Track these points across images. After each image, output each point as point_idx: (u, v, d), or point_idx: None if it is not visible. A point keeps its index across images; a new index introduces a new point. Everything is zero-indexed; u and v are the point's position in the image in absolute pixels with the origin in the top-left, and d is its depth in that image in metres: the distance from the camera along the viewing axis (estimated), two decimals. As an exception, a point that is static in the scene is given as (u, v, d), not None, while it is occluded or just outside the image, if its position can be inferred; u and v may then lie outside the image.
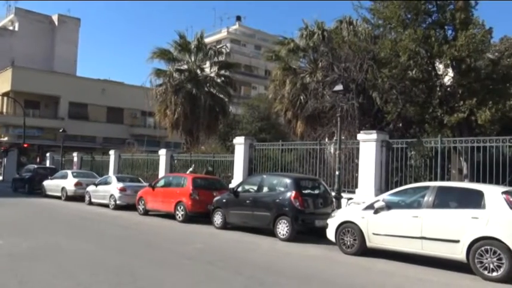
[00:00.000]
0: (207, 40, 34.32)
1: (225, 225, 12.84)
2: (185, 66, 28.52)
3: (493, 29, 14.05)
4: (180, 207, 14.45)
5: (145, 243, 10.22)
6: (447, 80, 15.21)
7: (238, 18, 63.47)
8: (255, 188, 12.56)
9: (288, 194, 11.30)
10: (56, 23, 57.66)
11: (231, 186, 15.66)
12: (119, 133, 45.68)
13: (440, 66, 15.16)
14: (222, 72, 29.49)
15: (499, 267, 7.22)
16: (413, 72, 14.80)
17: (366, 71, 16.97)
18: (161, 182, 16.48)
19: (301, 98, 21.64)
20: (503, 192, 7.71)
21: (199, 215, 14.32)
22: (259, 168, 17.25)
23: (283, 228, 11.09)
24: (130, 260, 8.14)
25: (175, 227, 13.55)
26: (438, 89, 14.71)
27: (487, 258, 7.36)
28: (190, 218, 14.28)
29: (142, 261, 8.06)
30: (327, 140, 17.69)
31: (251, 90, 56.16)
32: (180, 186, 15.07)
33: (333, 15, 69.04)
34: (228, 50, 31.04)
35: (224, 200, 13.13)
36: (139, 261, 7.99)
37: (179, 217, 14.42)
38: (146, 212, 16.16)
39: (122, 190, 17.89)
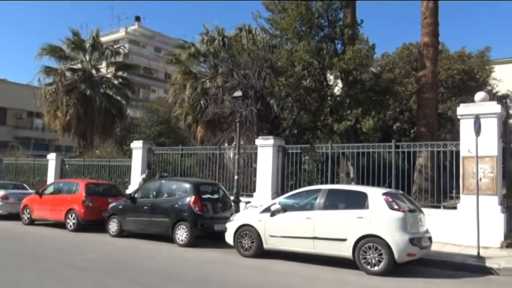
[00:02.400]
0: (103, 39, 32.75)
1: (121, 233, 12.36)
2: (79, 66, 26.89)
3: (376, 45, 15.52)
4: (72, 216, 13.57)
5: (30, 256, 9.41)
6: (337, 90, 16.41)
7: (138, 19, 61.56)
8: (154, 193, 12.28)
9: (188, 199, 11.25)
10: None
11: (127, 192, 15.12)
12: (0, 135, 41.43)
13: (331, 77, 16.30)
14: (120, 73, 28.38)
15: (380, 262, 7.95)
16: (307, 81, 15.71)
17: (264, 79, 17.61)
18: (50, 189, 15.31)
19: (202, 102, 21.68)
20: (383, 194, 8.51)
21: (93, 223, 13.57)
22: (158, 173, 16.88)
23: (182, 233, 11.00)
24: (13, 275, 7.43)
25: (65, 236, 12.69)
26: (329, 98, 15.81)
27: (369, 254, 8.06)
28: (83, 227, 13.47)
29: (28, 275, 7.42)
30: (226, 145, 17.96)
31: (150, 93, 54.73)
32: (72, 192, 14.16)
33: (233, 22, 70.30)
34: (126, 51, 30.06)
35: (120, 207, 12.64)
36: (24, 275, 7.35)
37: (70, 226, 13.53)
38: (32, 222, 14.90)
39: (4, 198, 16.27)
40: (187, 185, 11.69)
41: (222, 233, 10.30)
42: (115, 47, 30.43)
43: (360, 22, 16.03)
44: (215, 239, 11.11)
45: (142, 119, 34.58)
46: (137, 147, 17.64)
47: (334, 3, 15.63)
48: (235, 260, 9.36)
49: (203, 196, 11.53)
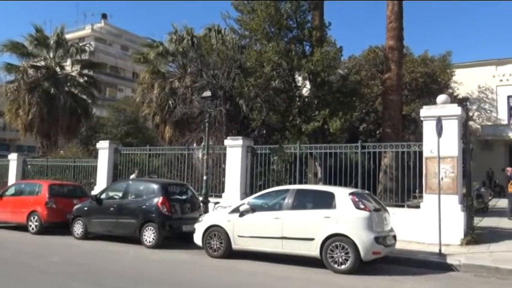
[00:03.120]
0: (68, 36, 31.88)
1: (87, 235, 12.07)
2: (42, 63, 26.12)
3: (343, 48, 15.80)
4: (34, 218, 13.15)
5: (-10, 260, 9.06)
6: (305, 91, 16.60)
7: (104, 16, 60.19)
8: (120, 194, 12.06)
9: (155, 200, 11.11)
10: None
11: (93, 193, 14.79)
12: (-45, 134, 39.67)
13: (299, 78, 16.48)
14: (86, 71, 27.75)
15: (347, 260, 8.10)
16: (276, 82, 15.83)
17: (233, 79, 17.61)
18: (11, 190, 14.77)
19: (170, 102, 21.48)
20: (350, 193, 8.67)
21: (56, 226, 13.17)
22: (125, 173, 16.62)
23: (149, 235, 10.86)
24: (-29, 280, 7.15)
25: (27, 239, 12.28)
26: (297, 99, 15.98)
27: (336, 253, 8.19)
28: (46, 229, 13.06)
29: (-14, 280, 7.15)
30: (195, 145, 17.87)
31: (117, 93, 53.68)
32: (34, 194, 13.72)
33: (202, 21, 69.97)
34: (92, 49, 29.48)
35: (85, 208, 12.35)
36: (-18, 281, 7.08)
37: (32, 228, 13.11)
38: (-8, 225, 14.33)
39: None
40: (155, 186, 11.55)
41: (191, 234, 10.23)
42: (80, 44, 29.74)
43: (328, 24, 16.30)
44: (183, 240, 11.02)
45: (109, 118, 33.94)
46: (103, 147, 17.28)
47: (303, 5, 15.80)
48: (204, 260, 9.31)
49: (171, 197, 11.42)
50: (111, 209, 11.74)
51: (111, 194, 12.45)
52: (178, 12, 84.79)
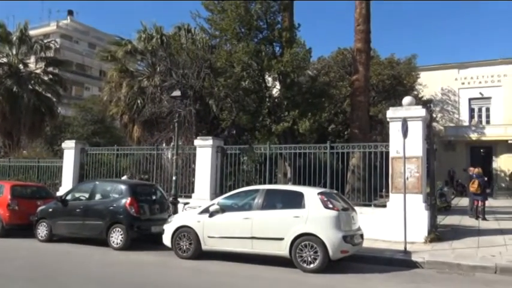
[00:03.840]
0: (32, 33, 30.90)
1: (51, 238, 11.74)
2: (4, 60, 25.23)
3: (312, 49, 15.99)
4: (-5, 220, 12.66)
5: None
6: (275, 92, 16.71)
7: (70, 13, 58.56)
8: (87, 195, 11.78)
9: (123, 201, 10.92)
10: None
11: (58, 194, 14.40)
12: None
13: (269, 79, 16.57)
14: (50, 69, 26.96)
15: (315, 259, 8.21)
16: (246, 82, 15.86)
17: (203, 79, 17.53)
18: (-30, 192, 14.16)
19: (139, 101, 21.12)
20: (319, 193, 8.79)
21: (19, 228, 12.72)
22: (92, 174, 16.28)
23: (117, 236, 10.66)
24: None
25: (-13, 243, 11.82)
26: (267, 99, 16.06)
27: (305, 252, 8.29)
28: (8, 232, 12.59)
29: None
30: (164, 145, 17.67)
31: (84, 91, 52.39)
32: (-4, 195, 13.21)
33: (171, 20, 69.19)
34: (57, 46, 28.63)
35: (50, 210, 12.00)
36: None
37: (-7, 231, 12.62)
38: (-51, 228, 13.69)
39: None
40: (122, 186, 11.35)
41: (160, 235, 10.12)
42: (45, 41, 28.85)
43: (298, 26, 16.46)
44: (152, 242, 10.87)
45: (75, 117, 33.16)
46: (69, 147, 16.85)
47: (273, 6, 15.90)
48: (173, 262, 9.23)
49: (140, 197, 11.25)
50: (77, 210, 11.46)
51: (77, 195, 12.16)
52: (147, 11, 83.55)
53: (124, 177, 14.83)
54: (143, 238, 11.14)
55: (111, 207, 11.05)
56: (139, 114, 20.55)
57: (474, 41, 69.54)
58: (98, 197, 11.64)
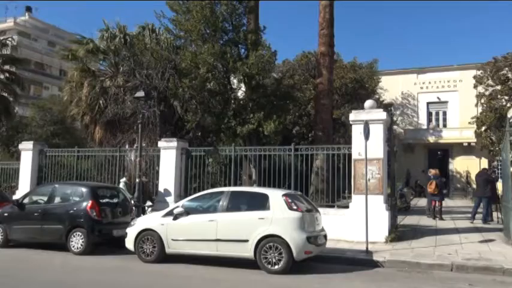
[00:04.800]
0: (-14, 29, 29.65)
1: (7, 243, 11.28)
2: (-44, 57, 24.04)
3: (277, 52, 16.12)
4: None
5: None
6: (240, 94, 16.72)
7: (29, 9, 56.55)
8: (45, 199, 11.39)
9: (84, 204, 10.63)
10: None
11: (15, 197, 13.84)
12: None
13: (235, 81, 16.56)
14: (7, 67, 25.96)
15: (280, 260, 8.28)
16: (211, 84, 15.78)
17: (167, 80, 17.33)
18: None
19: (101, 102, 20.61)
20: (283, 195, 8.87)
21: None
22: (51, 177, 15.77)
23: (77, 241, 10.36)
24: None
25: None
26: (233, 101, 16.05)
27: (270, 254, 8.34)
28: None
29: None
30: (127, 146, 17.36)
31: (43, 91, 50.64)
32: None
33: (135, 20, 67.99)
34: (14, 43, 27.64)
35: (6, 214, 11.53)
36: None
37: None
38: None
39: None
40: (83, 189, 11.05)
41: (122, 238, 9.92)
42: (2, 38, 27.74)
43: (263, 28, 16.54)
44: (115, 246, 10.64)
45: (33, 118, 32.01)
46: (27, 148, 16.25)
47: (238, 8, 15.92)
48: (136, 266, 9.07)
49: (101, 200, 10.99)
50: (35, 214, 11.06)
51: (35, 198, 11.74)
52: (110, 9, 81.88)
53: (123, 180, 14.23)
54: (105, 242, 10.89)
55: (71, 211, 10.73)
56: (102, 115, 20.07)
57: (433, 47, 72.19)
58: (57, 200, 11.27)
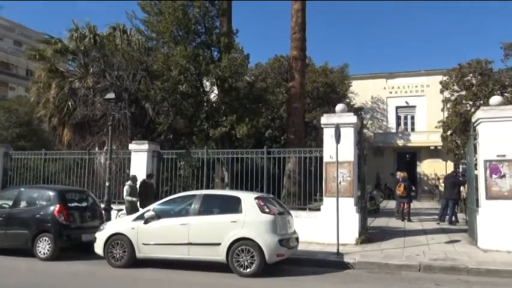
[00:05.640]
0: None
1: (-31, 249, 10.83)
2: None
3: (250, 55, 16.19)
4: None
5: None
6: (213, 96, 16.69)
7: (-6, 7, 54.75)
8: (10, 203, 11.00)
9: (51, 208, 10.33)
10: None
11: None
12: None
13: (207, 84, 16.52)
14: (-31, 67, 24.95)
15: (252, 263, 8.28)
16: (184, 86, 15.69)
17: (139, 82, 17.12)
18: None
19: (69, 103, 20.14)
20: (256, 198, 8.88)
21: None
22: (17, 180, 15.30)
23: (44, 246, 10.06)
24: None
25: None
26: (205, 104, 16.00)
27: (242, 257, 8.33)
28: None
29: None
30: (97, 149, 17.03)
31: (8, 91, 49.00)
32: None
33: (106, 20, 66.83)
34: (-23, 42, 26.47)
35: (-32, 219, 11.07)
36: None
37: None
38: None
39: None
40: (50, 193, 10.73)
41: (91, 243, 9.70)
42: (-36, 36, 26.70)
43: (236, 31, 16.59)
44: (83, 251, 10.39)
45: (-2, 119, 30.87)
46: (-10, 151, 15.72)
47: (211, 10, 15.90)
48: (105, 271, 8.88)
49: (69, 204, 10.71)
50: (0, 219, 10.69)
51: (-1, 202, 11.34)
52: (79, 9, 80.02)
53: (129, 183, 13.15)
54: (73, 247, 10.61)
55: (38, 215, 10.41)
56: (70, 117, 19.62)
57: (402, 52, 73.94)
58: (23, 204, 10.90)
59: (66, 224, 10.28)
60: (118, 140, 16.84)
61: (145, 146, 13.90)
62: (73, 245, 10.55)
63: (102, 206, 12.17)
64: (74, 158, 15.25)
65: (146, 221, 9.09)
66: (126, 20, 17.27)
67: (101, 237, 9.45)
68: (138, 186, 12.70)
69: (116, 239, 9.24)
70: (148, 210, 9.30)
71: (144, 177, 13.00)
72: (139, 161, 13.81)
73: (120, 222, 9.84)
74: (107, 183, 12.75)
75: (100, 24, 31.40)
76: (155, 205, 9.58)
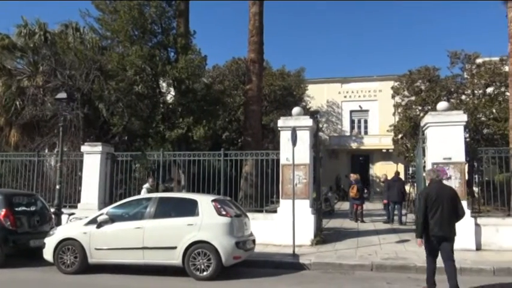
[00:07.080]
0: None
1: None
2: None
3: (207, 57, 16.15)
4: None
5: None
6: (169, 98, 16.49)
7: None
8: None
9: (-3, 213, 9.83)
10: None
11: None
12: None
13: (164, 85, 16.31)
14: None
15: (208, 267, 8.22)
16: (139, 87, 15.42)
17: (92, 81, 16.63)
18: None
19: (17, 103, 19.23)
20: (212, 200, 8.84)
21: None
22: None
23: (-12, 253, 9.55)
24: None
25: None
26: (161, 105, 15.78)
27: (199, 260, 8.26)
28: None
29: None
30: (47, 151, 16.37)
31: None
32: None
33: (56, 17, 64.41)
34: None
35: None
36: None
37: None
38: None
39: None
40: (-4, 197, 10.20)
41: (40, 249, 9.30)
42: None
43: (193, 33, 16.51)
44: (32, 257, 9.94)
45: None
46: None
47: (168, 11, 15.72)
48: (55, 278, 8.54)
49: (16, 209, 10.22)
50: None
51: None
52: (29, 6, 76.56)
53: (147, 186, 12.51)
54: (21, 254, 10.12)
55: (-18, 221, 9.86)
56: (18, 117, 18.74)
57: (356, 58, 76.01)
58: (-36, 209, 10.29)
59: (13, 229, 9.80)
60: (70, 142, 16.27)
61: (98, 147, 13.51)
62: (20, 251, 10.07)
63: (52, 210, 11.70)
64: (21, 160, 14.58)
65: (99, 225, 8.83)
66: (80, 18, 16.76)
67: (50, 243, 9.08)
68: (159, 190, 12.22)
69: (67, 244, 8.91)
70: (101, 214, 9.04)
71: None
72: (92, 164, 13.40)
73: (71, 227, 9.50)
74: (57, 186, 12.26)
75: (51, 21, 30.19)
76: (108, 208, 9.33)
